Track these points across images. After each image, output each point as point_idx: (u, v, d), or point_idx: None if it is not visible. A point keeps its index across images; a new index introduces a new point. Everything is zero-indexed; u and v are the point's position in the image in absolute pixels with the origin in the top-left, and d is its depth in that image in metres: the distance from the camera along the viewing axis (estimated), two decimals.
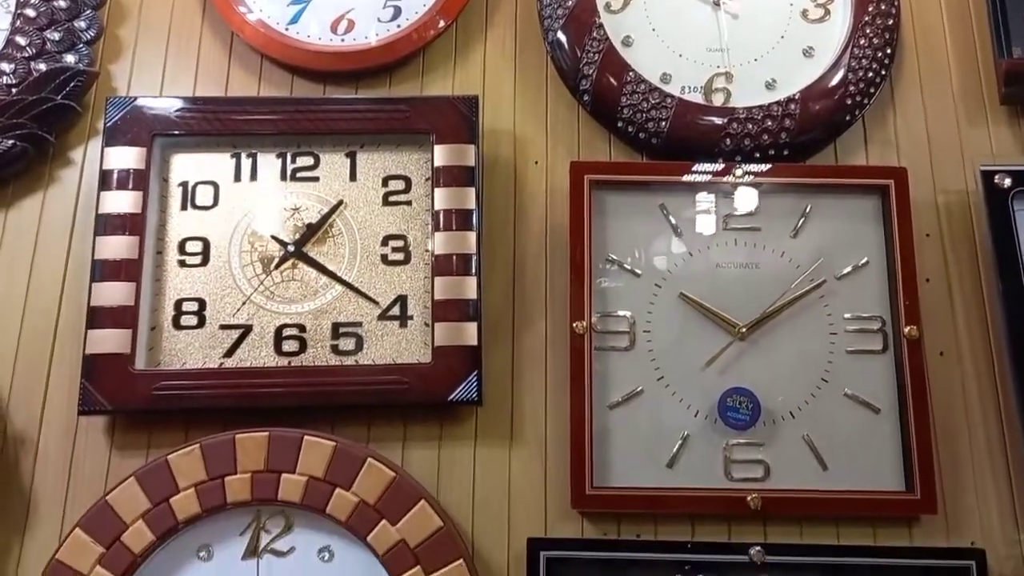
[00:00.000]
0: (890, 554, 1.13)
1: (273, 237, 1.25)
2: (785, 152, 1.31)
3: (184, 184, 1.27)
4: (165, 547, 1.10)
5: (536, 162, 1.34)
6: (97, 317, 1.17)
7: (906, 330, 1.21)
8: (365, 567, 1.10)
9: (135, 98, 1.26)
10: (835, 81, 1.31)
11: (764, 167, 1.28)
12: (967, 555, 1.12)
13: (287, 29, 1.35)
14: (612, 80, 1.31)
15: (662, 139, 1.31)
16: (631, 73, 1.31)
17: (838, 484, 1.17)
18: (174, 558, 1.10)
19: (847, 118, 1.32)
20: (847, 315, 1.23)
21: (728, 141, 1.30)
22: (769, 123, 1.29)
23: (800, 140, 1.31)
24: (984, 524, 1.18)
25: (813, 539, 1.15)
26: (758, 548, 1.13)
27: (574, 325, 1.22)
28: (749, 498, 1.15)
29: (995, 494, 1.19)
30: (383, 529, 1.08)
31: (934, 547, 1.14)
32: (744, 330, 1.23)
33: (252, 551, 1.11)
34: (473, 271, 1.21)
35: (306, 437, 1.11)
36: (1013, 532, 1.17)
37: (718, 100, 1.33)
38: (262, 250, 1.25)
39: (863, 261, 1.26)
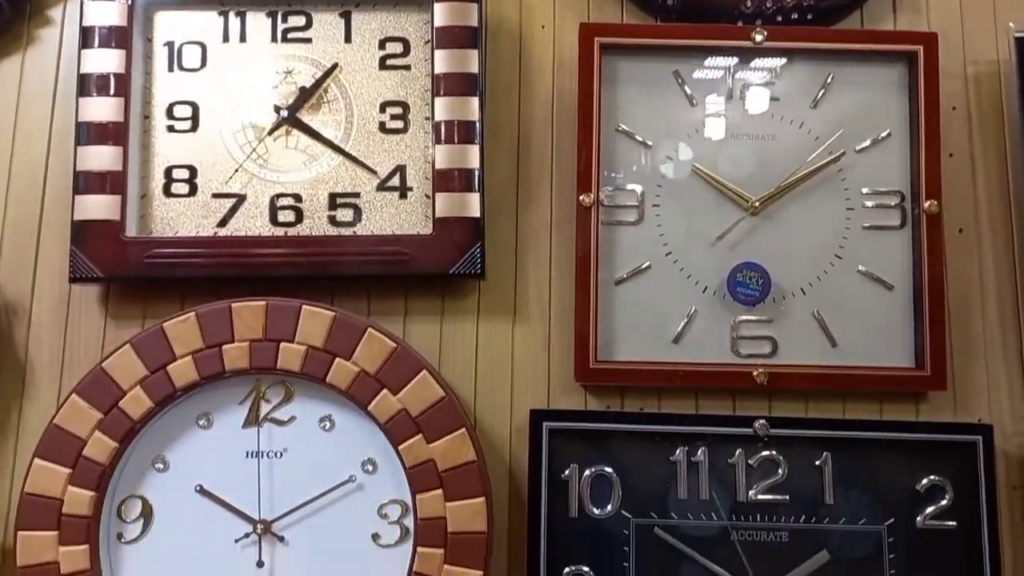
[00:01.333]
0: (896, 428, 1.12)
1: (265, 102, 1.19)
2: (809, 17, 1.23)
3: (169, 44, 1.20)
4: (164, 414, 1.09)
5: (543, 26, 1.26)
6: (84, 182, 1.12)
7: (926, 204, 1.16)
8: (366, 436, 1.09)
9: None
10: None
11: (786, 31, 1.20)
12: (974, 430, 1.11)
13: None
14: None
15: (678, 1, 1.23)
16: None
17: (846, 360, 1.15)
18: (174, 426, 1.10)
19: None
20: (865, 190, 1.19)
21: (749, 4, 1.22)
22: None
23: (825, 5, 1.23)
24: (992, 402, 1.17)
25: (819, 414, 1.15)
26: (763, 421, 1.12)
27: (581, 198, 1.17)
28: (755, 373, 1.14)
29: (1005, 373, 1.17)
30: (384, 398, 1.07)
31: (941, 422, 1.14)
32: (757, 204, 1.18)
33: (252, 419, 1.10)
34: (476, 139, 1.15)
35: (304, 307, 1.08)
36: (1022, 409, 1.16)
37: None
38: (254, 116, 1.20)
39: (885, 134, 1.20)
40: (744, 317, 1.17)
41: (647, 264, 1.18)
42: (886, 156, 1.20)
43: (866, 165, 1.20)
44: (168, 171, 1.17)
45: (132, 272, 1.12)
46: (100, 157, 1.13)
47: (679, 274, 1.18)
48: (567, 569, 1.09)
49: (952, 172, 1.21)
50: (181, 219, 1.17)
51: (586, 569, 1.10)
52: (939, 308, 1.15)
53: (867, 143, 1.20)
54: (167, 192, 1.17)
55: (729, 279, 1.16)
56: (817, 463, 1.11)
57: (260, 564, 1.07)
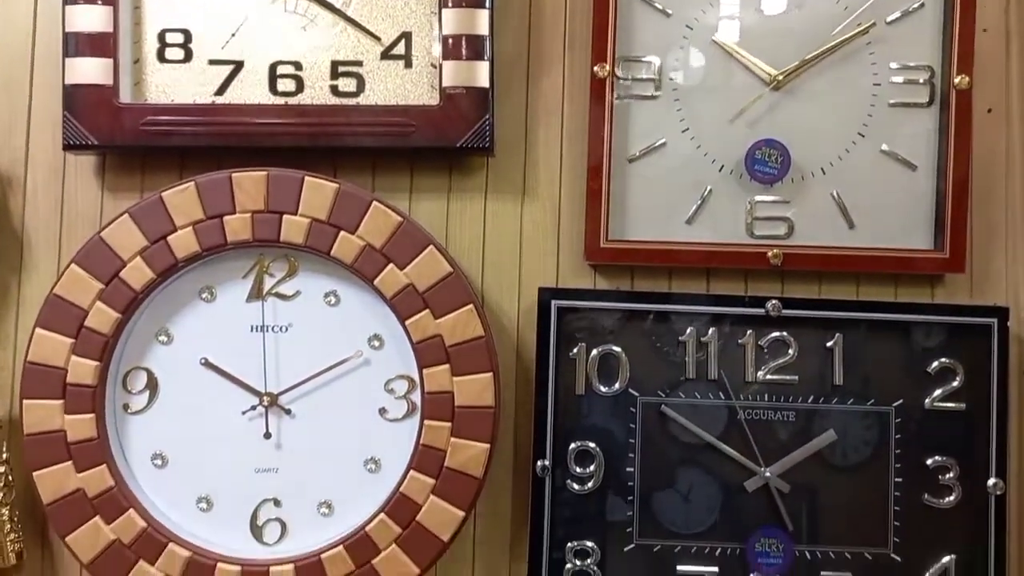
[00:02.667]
0: (911, 310, 1.10)
1: None
2: None
3: None
4: (166, 286, 1.07)
5: None
6: (74, 44, 1.07)
7: (956, 80, 1.11)
8: (372, 311, 1.08)
9: None
10: None
11: None
12: (989, 313, 1.09)
13: None
14: None
15: None
16: None
17: (863, 243, 1.12)
18: (176, 299, 1.08)
19: None
20: (893, 64, 1.13)
21: None
22: None
23: None
24: (1010, 287, 1.14)
25: (832, 296, 1.13)
26: (775, 302, 1.10)
27: (595, 69, 1.12)
28: (770, 253, 1.11)
29: None
30: (390, 273, 1.05)
31: (956, 304, 1.11)
32: (780, 79, 1.12)
33: (256, 294, 1.08)
34: (485, 3, 1.09)
35: (307, 178, 1.05)
36: None
37: None
38: None
39: (917, 5, 1.13)
40: (760, 197, 1.13)
41: (662, 141, 1.14)
42: (917, 29, 1.14)
43: (896, 38, 1.13)
44: (161, 35, 1.11)
45: (128, 140, 1.08)
46: (89, 16, 1.07)
47: (696, 151, 1.13)
48: (572, 445, 1.10)
49: (985, 49, 1.15)
50: (177, 86, 1.12)
51: (592, 445, 1.10)
52: (962, 189, 1.11)
53: (898, 14, 1.13)
54: (161, 58, 1.12)
55: (747, 157, 1.12)
56: (828, 344, 1.10)
57: (267, 435, 1.07)
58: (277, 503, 1.08)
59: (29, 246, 1.13)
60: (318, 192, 1.05)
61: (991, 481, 1.09)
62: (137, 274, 1.04)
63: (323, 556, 1.04)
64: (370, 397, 1.08)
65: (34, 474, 1.03)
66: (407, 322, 1.05)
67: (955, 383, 1.10)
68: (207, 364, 1.08)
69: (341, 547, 1.04)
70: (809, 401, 1.10)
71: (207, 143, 1.09)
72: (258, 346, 1.08)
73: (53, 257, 1.13)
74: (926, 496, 1.10)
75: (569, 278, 1.14)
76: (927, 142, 1.14)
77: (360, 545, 1.04)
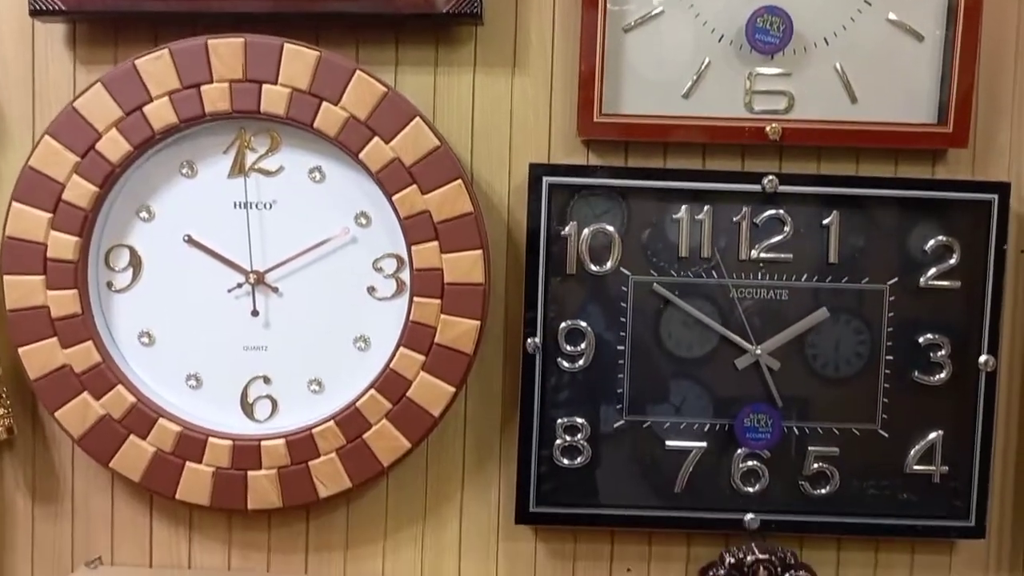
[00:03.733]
0: (910, 186, 1.07)
1: None
2: None
3: None
4: (145, 161, 1.04)
5: None
6: None
7: None
8: (358, 187, 1.05)
9: None
10: None
11: None
12: (991, 189, 1.07)
13: None
14: None
15: None
16: None
17: (865, 117, 1.08)
18: (156, 174, 1.05)
19: None
20: None
21: None
22: None
23: None
24: (1013, 164, 1.11)
25: (831, 171, 1.10)
26: (772, 177, 1.07)
27: None
28: (768, 128, 1.07)
29: None
30: (376, 146, 1.02)
31: (957, 180, 1.09)
32: None
33: (238, 169, 1.05)
34: None
35: (287, 45, 1.00)
36: None
37: None
38: None
39: None
40: (760, 70, 1.08)
41: (659, 9, 1.08)
42: None
43: None
44: None
45: (97, 6, 1.02)
46: None
47: (694, 20, 1.08)
48: (563, 324, 1.09)
49: None
50: None
51: (583, 324, 1.09)
52: (970, 62, 1.07)
53: None
54: None
55: (748, 24, 1.07)
56: (824, 222, 1.08)
57: (255, 314, 1.06)
58: (267, 380, 1.07)
59: (2, 119, 1.09)
60: (298, 60, 1.01)
61: (983, 358, 1.09)
62: (113, 146, 1.00)
63: (314, 431, 1.04)
64: (358, 276, 1.07)
65: (20, 350, 1.02)
66: (394, 198, 1.03)
67: (951, 261, 1.08)
68: (190, 241, 1.05)
69: (332, 422, 1.05)
70: (803, 279, 1.09)
71: (181, 8, 1.02)
72: (242, 223, 1.05)
73: (27, 130, 1.09)
74: (916, 374, 1.10)
75: (561, 154, 1.11)
76: (936, 12, 1.08)
77: (351, 420, 1.04)
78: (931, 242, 1.09)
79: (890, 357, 1.10)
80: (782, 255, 1.09)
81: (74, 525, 1.12)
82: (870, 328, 1.09)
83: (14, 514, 1.12)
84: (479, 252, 1.03)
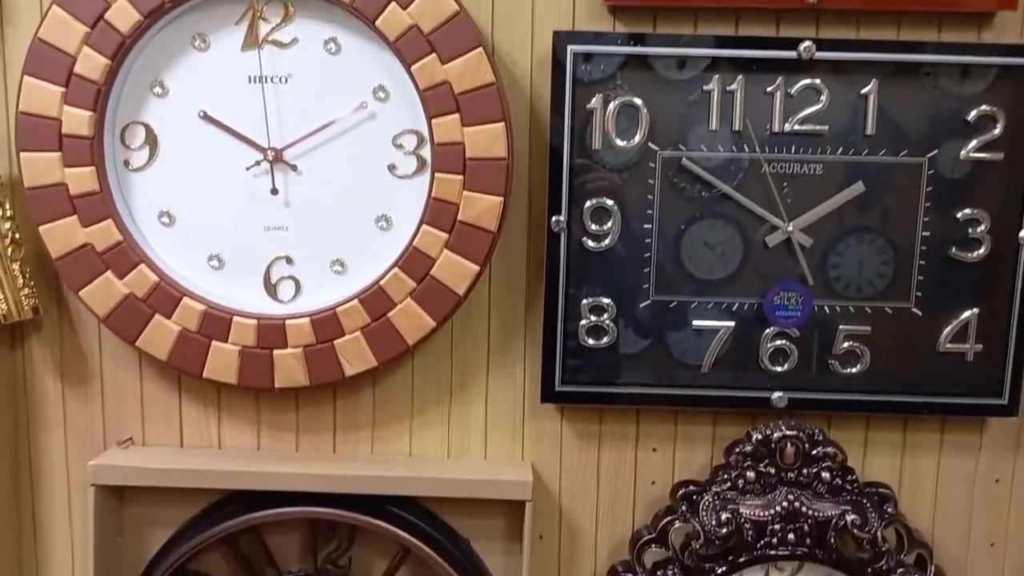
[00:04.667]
0: (955, 51, 1.02)
1: None
2: None
3: None
4: (156, 33, 1.01)
5: None
6: None
7: None
8: (375, 59, 1.01)
9: None
10: None
11: None
12: None
13: None
14: None
15: None
16: None
17: None
18: (168, 47, 1.02)
19: None
20: None
21: None
22: None
23: None
24: None
25: (871, 36, 1.04)
26: (808, 43, 1.02)
27: None
28: None
29: None
30: (393, 13, 0.97)
31: (1005, 43, 1.03)
32: None
33: (252, 41, 1.01)
34: None
35: None
36: None
37: None
38: None
39: None
40: None
41: None
42: None
43: None
44: None
45: None
46: None
47: None
48: (589, 202, 1.06)
49: None
50: None
51: (609, 203, 1.06)
52: None
53: None
54: None
55: None
56: (863, 91, 1.03)
57: (274, 192, 1.04)
58: (289, 261, 1.06)
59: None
60: None
61: (1023, 233, 1.07)
62: (123, 16, 0.97)
63: (339, 310, 1.04)
64: (378, 153, 1.04)
65: (40, 228, 1.02)
66: (412, 68, 0.99)
67: (995, 131, 1.04)
68: (206, 117, 1.03)
69: (356, 301, 1.04)
70: (838, 152, 1.05)
71: None
72: (258, 98, 1.02)
73: (35, 2, 1.04)
74: (953, 250, 1.06)
75: (586, 21, 1.05)
76: None
77: (375, 299, 1.04)
78: (974, 112, 1.04)
79: (927, 233, 1.06)
80: (817, 127, 1.04)
81: (104, 406, 1.13)
82: (907, 203, 1.06)
83: (44, 395, 1.14)
84: (501, 125, 1.00)
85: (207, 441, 1.14)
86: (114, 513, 1.13)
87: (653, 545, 1.10)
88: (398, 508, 1.12)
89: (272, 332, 1.04)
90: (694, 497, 1.10)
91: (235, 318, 1.04)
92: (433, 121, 1.00)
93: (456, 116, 1.00)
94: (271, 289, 1.07)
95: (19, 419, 1.14)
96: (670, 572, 1.09)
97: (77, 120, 0.99)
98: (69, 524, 1.16)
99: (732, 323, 1.09)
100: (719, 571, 1.08)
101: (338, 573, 1.14)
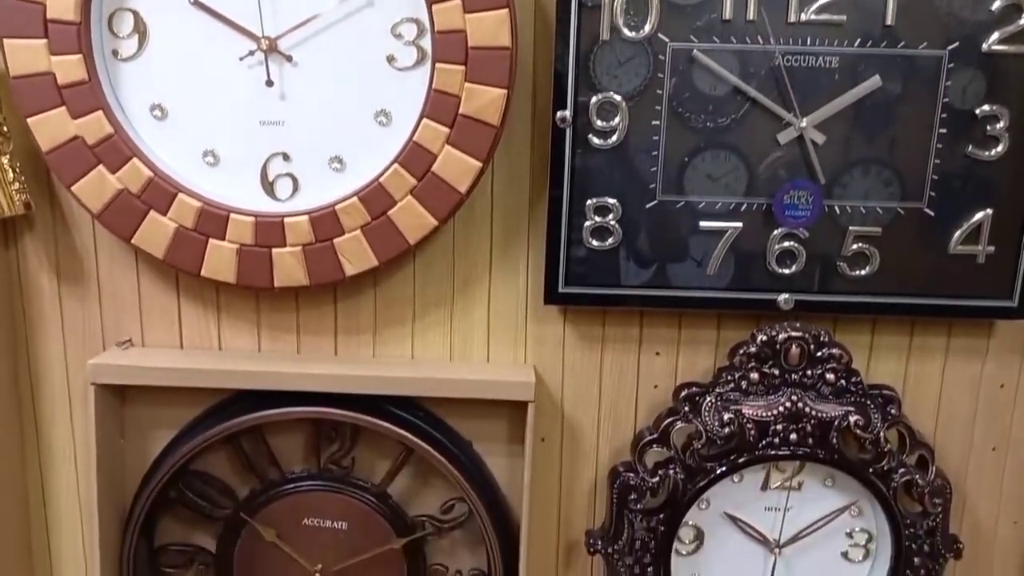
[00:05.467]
0: None
1: None
2: None
3: None
4: None
5: None
6: None
7: None
8: None
9: None
10: None
11: None
12: None
13: None
14: None
15: None
16: None
17: None
18: None
19: None
20: None
21: None
22: None
23: None
24: None
25: None
26: None
27: None
28: None
29: None
30: None
31: None
32: None
33: None
34: None
35: None
36: None
37: None
38: None
39: None
40: None
41: None
42: None
43: None
44: None
45: None
46: None
47: None
48: (595, 96, 1.01)
49: None
50: None
51: (616, 97, 1.02)
52: None
53: None
54: None
55: None
56: None
57: (269, 83, 1.00)
58: (286, 158, 1.03)
59: None
60: None
61: None
62: None
63: (338, 208, 1.01)
64: (376, 44, 1.00)
65: (28, 120, 0.98)
66: None
67: (1019, 21, 0.99)
68: (196, 3, 0.98)
69: (355, 199, 1.01)
70: (856, 44, 1.00)
71: None
72: None
73: None
74: (970, 148, 1.03)
75: None
76: None
77: (375, 196, 1.01)
78: (998, 1, 1.00)
79: (943, 130, 1.03)
80: (834, 16, 0.99)
81: (102, 306, 1.12)
82: (924, 98, 1.02)
83: (40, 295, 1.12)
84: (505, 11, 0.95)
85: (207, 343, 1.13)
86: (115, 415, 1.13)
87: (655, 445, 1.10)
88: (400, 410, 1.12)
89: (270, 230, 1.02)
90: (697, 398, 1.10)
91: (232, 215, 1.01)
92: (434, 7, 0.95)
93: (458, 1, 0.95)
94: (268, 187, 1.04)
95: (16, 320, 1.13)
96: (671, 471, 1.10)
97: (62, 4, 0.94)
98: (71, 427, 1.16)
99: (740, 224, 1.06)
100: (720, 471, 1.10)
101: (341, 473, 1.15)
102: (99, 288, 1.12)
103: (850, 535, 1.16)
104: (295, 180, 1.04)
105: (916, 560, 1.13)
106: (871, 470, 1.10)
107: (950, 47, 1.01)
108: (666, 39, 1.01)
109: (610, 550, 1.13)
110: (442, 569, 1.20)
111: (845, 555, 1.17)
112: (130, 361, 1.09)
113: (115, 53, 1.00)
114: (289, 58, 1.00)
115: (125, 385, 1.11)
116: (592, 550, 1.14)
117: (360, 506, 1.15)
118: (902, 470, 1.10)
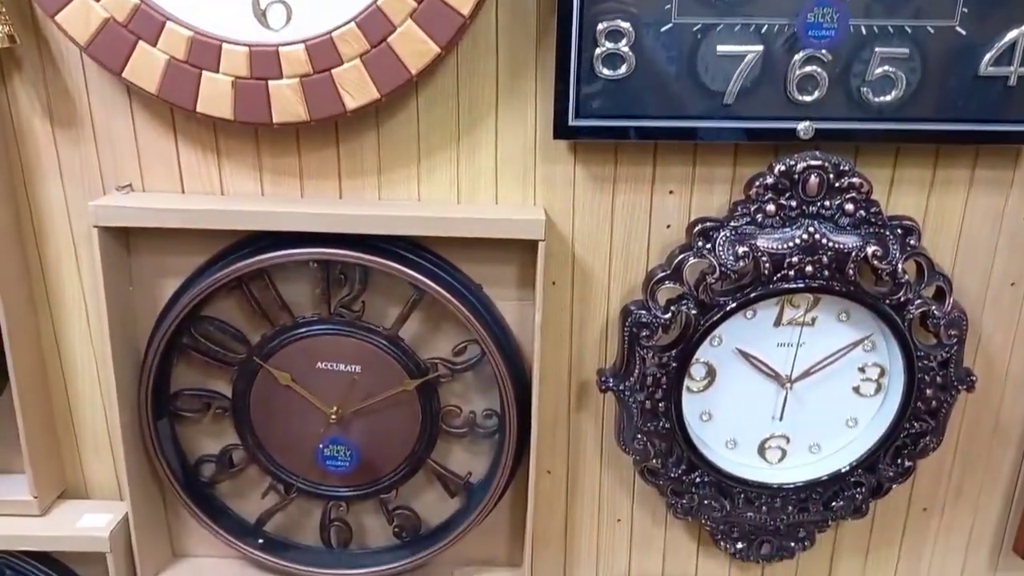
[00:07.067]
0: None
1: None
2: None
3: None
4: None
5: None
6: None
7: None
8: None
9: None
10: None
11: None
12: None
13: None
14: None
15: None
16: None
17: None
18: None
19: None
20: None
21: None
22: None
23: None
24: None
25: None
26: None
27: None
28: None
29: None
30: None
31: None
32: None
33: None
34: None
35: None
36: None
37: None
38: None
39: None
40: None
41: None
42: None
43: None
44: None
45: None
46: None
47: None
48: None
49: None
50: None
51: None
52: None
53: None
54: None
55: None
56: None
57: None
58: None
59: None
60: None
61: None
62: None
63: (335, 35, 0.96)
64: None
65: None
66: None
67: None
68: None
69: (353, 24, 0.96)
70: None
71: None
72: None
73: None
74: None
75: None
76: None
77: (373, 21, 0.95)
78: None
79: None
80: None
81: (98, 149, 1.09)
82: None
83: (35, 139, 1.09)
84: None
85: (208, 187, 1.10)
86: (122, 262, 1.12)
87: (667, 282, 1.09)
88: (409, 254, 1.10)
89: (265, 61, 0.97)
90: (711, 232, 1.07)
91: (224, 45, 0.96)
92: None
93: None
94: (260, 15, 0.98)
95: (13, 166, 1.10)
96: (684, 307, 1.09)
97: None
98: (79, 275, 1.16)
99: (760, 47, 1.00)
100: (733, 305, 1.09)
101: (352, 317, 1.15)
102: (94, 131, 1.08)
103: (862, 369, 1.16)
104: (287, 6, 0.98)
105: (928, 392, 1.13)
106: (888, 302, 1.08)
107: None
108: None
109: (621, 387, 1.14)
110: (456, 410, 1.21)
111: (856, 389, 1.17)
112: (132, 203, 1.07)
113: None
114: None
115: (130, 230, 1.10)
116: (604, 387, 1.15)
117: (372, 349, 1.15)
118: (918, 301, 1.08)
